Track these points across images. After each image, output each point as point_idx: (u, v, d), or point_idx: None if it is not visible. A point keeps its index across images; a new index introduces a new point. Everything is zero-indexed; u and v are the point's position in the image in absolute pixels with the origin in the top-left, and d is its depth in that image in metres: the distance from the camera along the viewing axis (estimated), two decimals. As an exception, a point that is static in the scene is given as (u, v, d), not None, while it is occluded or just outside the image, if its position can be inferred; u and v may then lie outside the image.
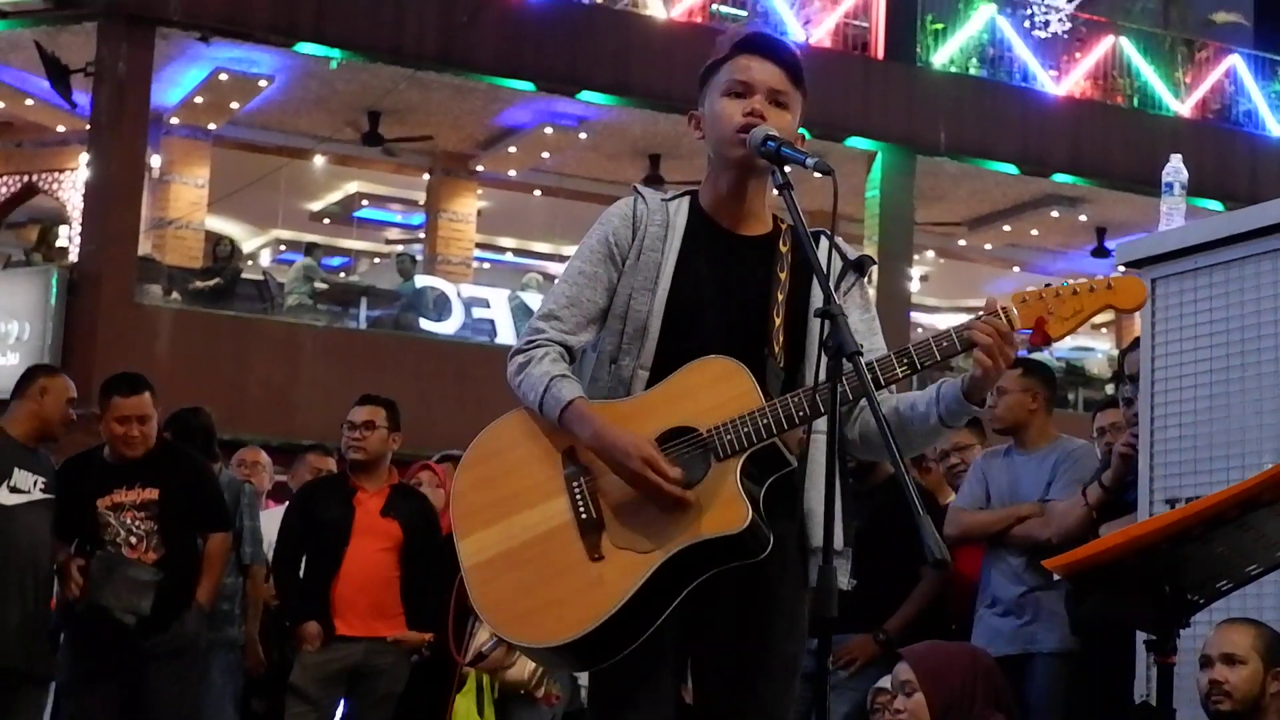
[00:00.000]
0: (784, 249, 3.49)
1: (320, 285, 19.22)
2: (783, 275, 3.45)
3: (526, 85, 18.42)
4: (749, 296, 3.44)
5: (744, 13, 19.97)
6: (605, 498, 3.31)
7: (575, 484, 3.34)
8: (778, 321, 3.40)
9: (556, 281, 3.56)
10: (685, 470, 3.25)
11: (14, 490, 6.72)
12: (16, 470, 6.74)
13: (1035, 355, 9.06)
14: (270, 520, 7.97)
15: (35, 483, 6.78)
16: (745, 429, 3.24)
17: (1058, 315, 3.24)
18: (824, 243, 3.42)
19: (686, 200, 3.57)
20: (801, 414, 3.23)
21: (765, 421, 3.24)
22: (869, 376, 3.07)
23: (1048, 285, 3.29)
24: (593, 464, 3.34)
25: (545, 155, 20.92)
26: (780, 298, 3.42)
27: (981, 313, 3.27)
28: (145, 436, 6.81)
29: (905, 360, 3.26)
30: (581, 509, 3.31)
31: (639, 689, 3.35)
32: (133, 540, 6.62)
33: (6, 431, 6.90)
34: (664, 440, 3.30)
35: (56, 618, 6.99)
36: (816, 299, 3.38)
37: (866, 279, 3.57)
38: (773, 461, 3.30)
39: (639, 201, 3.53)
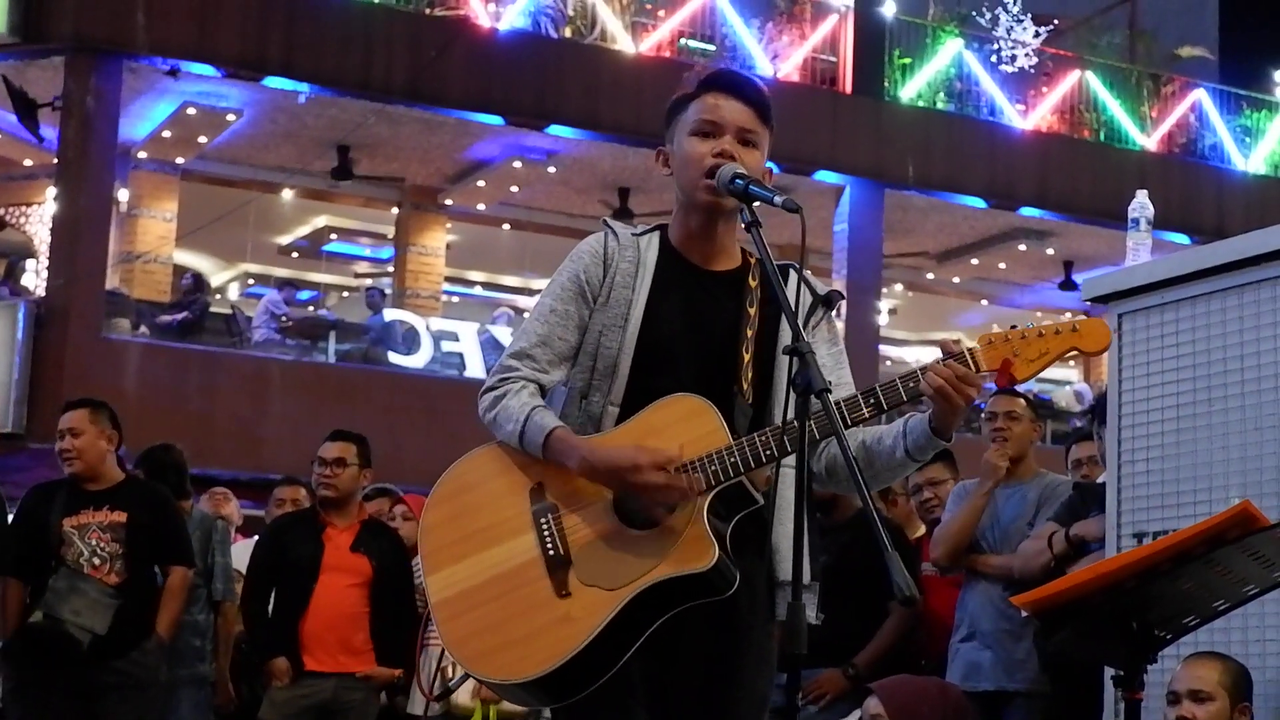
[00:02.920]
0: (753, 284, 3.49)
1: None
2: (752, 311, 3.45)
3: (495, 119, 18.46)
4: (719, 333, 3.44)
5: (712, 47, 20.02)
6: (572, 534, 3.31)
7: (543, 520, 3.34)
8: (746, 358, 3.40)
9: (527, 318, 3.57)
10: (646, 511, 3.27)
11: None
12: None
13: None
14: (239, 554, 7.95)
15: None
16: (712, 467, 3.24)
17: (1023, 357, 3.26)
18: (793, 277, 3.45)
19: (657, 235, 3.56)
20: (769, 453, 3.24)
21: (733, 460, 3.24)
22: (836, 415, 3.07)
23: (1013, 327, 3.30)
24: (562, 499, 3.34)
25: (514, 189, 20.94)
26: (749, 334, 3.42)
27: (942, 356, 3.28)
28: (79, 451, 6.77)
29: (872, 400, 3.28)
30: (549, 545, 3.31)
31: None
32: (95, 561, 6.58)
33: None
34: None
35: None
36: (786, 335, 3.39)
37: (835, 313, 3.58)
38: (740, 499, 3.30)
39: (610, 238, 3.52)
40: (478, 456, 3.49)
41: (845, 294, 15.34)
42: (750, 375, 3.40)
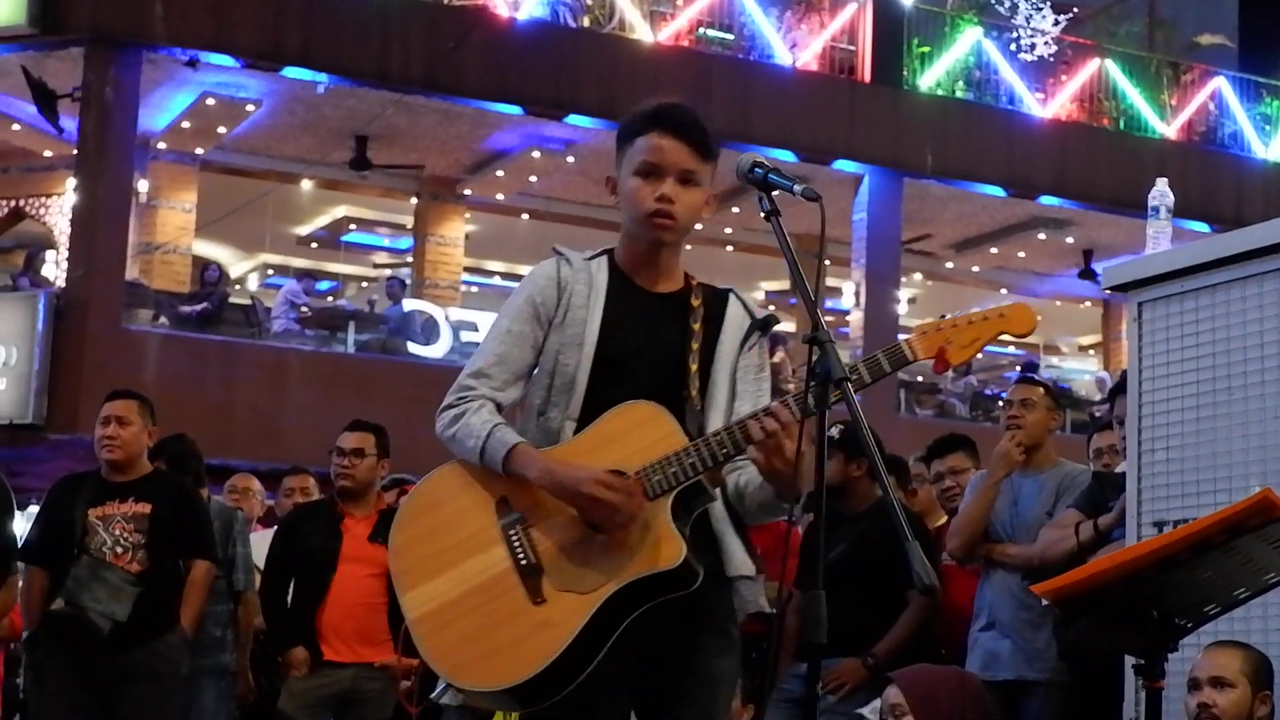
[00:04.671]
0: (695, 303, 3.71)
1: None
2: (696, 327, 3.66)
3: (514, 109, 18.46)
4: (667, 348, 3.63)
5: (730, 36, 20.03)
6: (542, 543, 3.46)
7: (512, 531, 3.48)
8: (693, 368, 3.60)
9: (484, 339, 3.73)
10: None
11: None
12: None
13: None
14: (258, 545, 7.97)
15: None
16: (673, 469, 3.41)
17: (956, 344, 3.46)
18: (733, 300, 3.76)
19: (606, 259, 3.74)
20: (725, 452, 3.41)
21: (691, 461, 3.41)
22: (856, 404, 3.11)
23: (944, 317, 3.50)
24: (528, 510, 3.49)
25: (533, 179, 20.93)
26: (694, 347, 3.63)
27: (765, 408, 3.41)
28: (125, 442, 6.77)
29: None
30: (520, 555, 3.45)
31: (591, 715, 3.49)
32: (118, 550, 6.58)
33: None
34: None
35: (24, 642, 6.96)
36: (725, 349, 3.66)
37: (766, 339, 3.78)
38: (698, 497, 3.48)
39: (563, 264, 3.71)
40: (440, 475, 3.64)
41: (866, 283, 15.17)
42: (697, 383, 3.60)
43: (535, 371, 3.66)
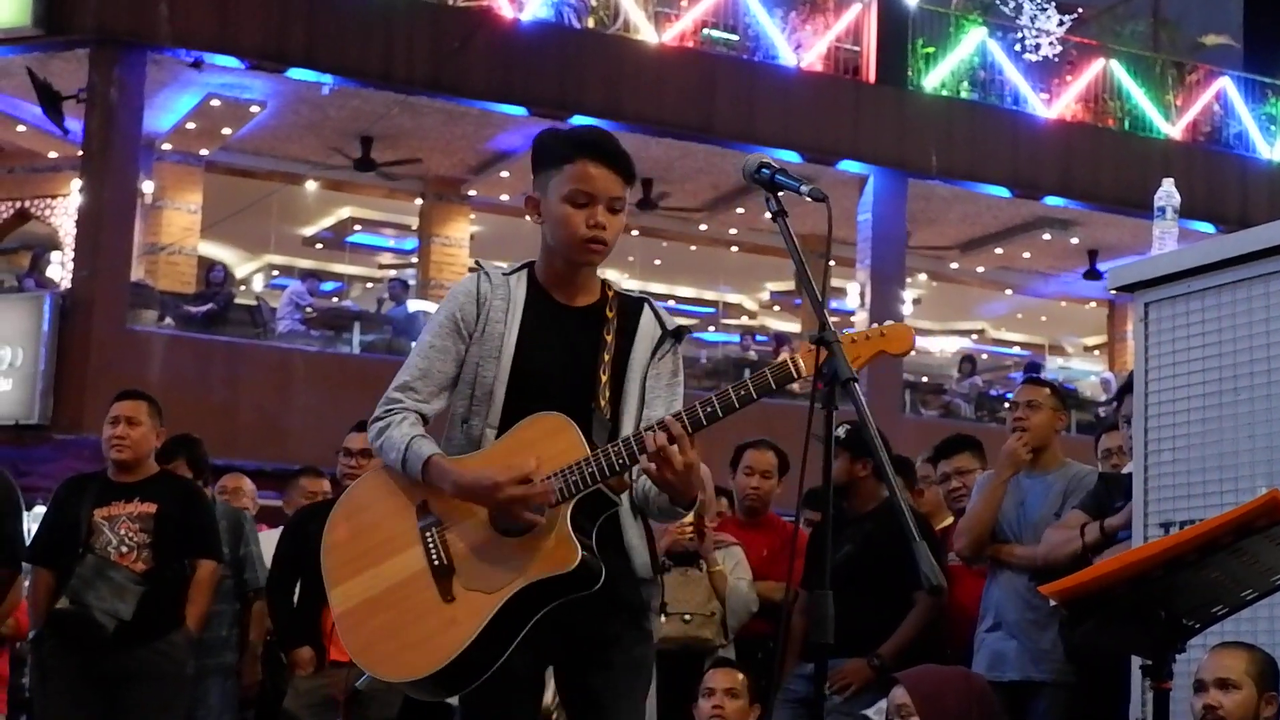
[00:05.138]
0: (610, 315, 3.88)
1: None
2: (609, 338, 3.83)
3: (518, 110, 18.45)
4: (579, 360, 3.81)
5: (735, 36, 20.02)
6: (454, 546, 3.68)
7: (428, 534, 3.70)
8: (604, 379, 3.78)
9: (410, 354, 3.91)
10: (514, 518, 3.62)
11: None
12: None
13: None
14: (264, 545, 7.98)
15: None
16: (573, 477, 3.59)
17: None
18: (646, 310, 3.92)
19: (525, 274, 3.94)
20: (620, 462, 3.58)
21: (590, 470, 3.59)
22: (864, 405, 3.08)
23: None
24: (444, 515, 3.71)
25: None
26: (606, 358, 3.80)
27: (659, 421, 3.57)
28: (134, 442, 6.76)
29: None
30: (434, 557, 3.68)
31: (506, 709, 3.73)
32: (123, 549, 6.58)
33: None
34: None
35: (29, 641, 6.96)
36: (636, 358, 3.84)
37: (679, 347, 3.94)
38: (600, 503, 3.66)
39: (483, 279, 3.90)
40: (368, 480, 3.91)
41: (871, 284, 15.21)
42: (608, 394, 3.77)
43: (458, 383, 3.84)
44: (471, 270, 4.04)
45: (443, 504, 3.71)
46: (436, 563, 3.66)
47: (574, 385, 3.77)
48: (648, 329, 3.89)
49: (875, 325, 3.59)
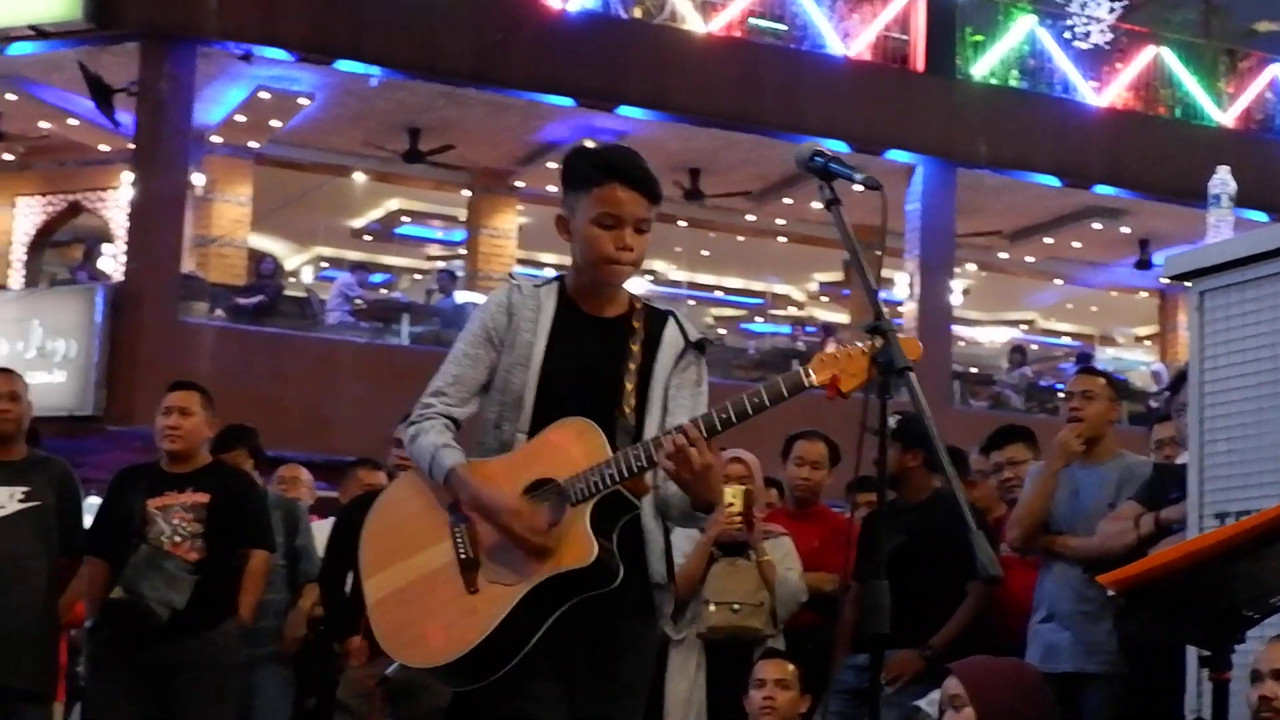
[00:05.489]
0: (637, 325, 4.02)
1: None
2: (635, 348, 3.97)
3: (564, 101, 18.46)
4: (605, 368, 3.94)
5: (783, 26, 19.98)
6: (480, 541, 3.83)
7: (456, 530, 3.85)
8: (629, 387, 3.92)
9: (445, 361, 4.08)
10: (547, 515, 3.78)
11: None
12: None
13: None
14: (316, 535, 8.01)
15: (12, 495, 6.79)
16: (594, 478, 3.73)
17: (847, 372, 3.61)
18: (671, 322, 4.05)
19: (556, 286, 4.09)
20: (639, 464, 3.72)
21: (610, 472, 3.73)
22: (920, 393, 3.07)
23: (840, 347, 3.70)
24: (472, 513, 3.86)
25: (584, 170, 20.88)
26: (632, 367, 3.95)
27: (670, 435, 3.68)
28: (186, 432, 6.78)
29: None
30: (461, 551, 3.83)
31: (533, 704, 3.83)
32: (176, 539, 6.59)
33: None
34: (530, 490, 3.81)
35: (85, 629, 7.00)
36: (659, 368, 3.98)
37: (704, 358, 4.07)
38: (621, 506, 3.79)
39: (514, 291, 4.06)
40: (405, 479, 4.13)
41: (920, 274, 15.16)
42: (633, 401, 3.92)
43: (490, 389, 4.01)
44: (518, 264, 4.11)
45: None
46: (463, 556, 3.82)
47: (599, 392, 3.90)
48: (671, 340, 4.02)
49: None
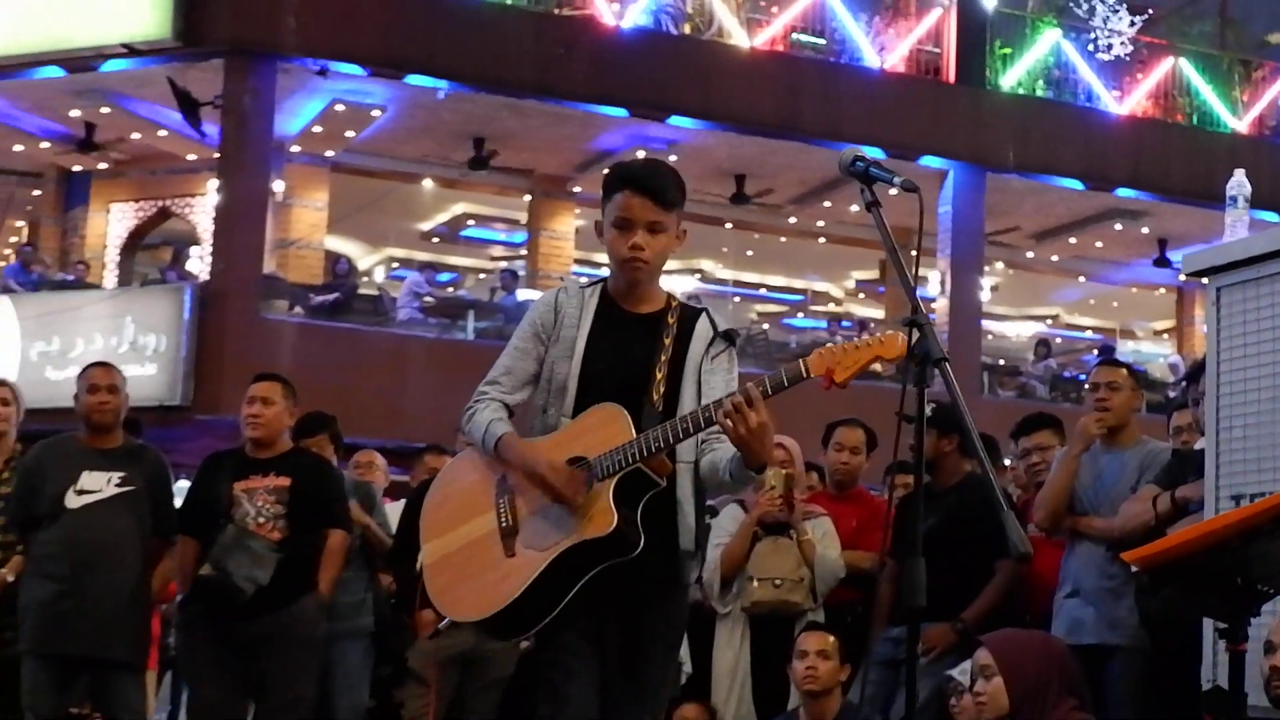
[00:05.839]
0: (671, 321, 4.17)
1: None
2: (667, 341, 4.12)
3: (619, 111, 18.46)
4: (638, 360, 4.10)
5: (822, 40, 19.94)
6: (520, 511, 4.02)
7: (500, 501, 4.06)
8: (659, 377, 4.07)
9: (501, 354, 4.29)
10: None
11: (81, 492, 6.80)
12: (84, 474, 6.84)
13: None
14: (389, 516, 8.03)
15: (109, 480, 6.86)
16: (617, 457, 3.88)
17: (841, 365, 3.71)
18: (703, 318, 4.19)
19: (600, 286, 4.26)
20: (658, 445, 3.86)
21: (632, 451, 3.87)
22: (954, 384, 3.08)
23: (836, 342, 3.82)
24: (515, 487, 4.05)
25: (636, 177, 20.86)
26: (663, 359, 4.10)
27: (729, 396, 3.80)
28: (268, 420, 6.81)
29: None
30: (503, 519, 4.03)
31: (572, 659, 4.01)
32: (260, 520, 6.62)
33: (76, 438, 6.98)
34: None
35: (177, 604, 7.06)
36: (690, 358, 4.12)
37: (734, 349, 4.20)
38: (644, 483, 3.92)
39: (561, 293, 4.26)
40: (461, 457, 4.42)
41: (951, 272, 15.09)
42: (662, 389, 4.06)
43: (539, 380, 4.20)
44: (575, 264, 4.19)
45: (515, 476, 4.06)
46: (504, 524, 4.02)
47: (632, 381, 4.05)
48: (702, 331, 4.16)
49: (875, 335, 3.73)
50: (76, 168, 20.55)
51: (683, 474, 4.05)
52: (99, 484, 6.85)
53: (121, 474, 6.88)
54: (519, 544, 3.97)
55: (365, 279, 23.34)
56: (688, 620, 4.37)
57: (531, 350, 4.21)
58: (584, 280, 4.34)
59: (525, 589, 3.89)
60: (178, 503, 7.13)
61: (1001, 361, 23.65)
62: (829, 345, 3.76)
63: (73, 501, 6.79)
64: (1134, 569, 4.23)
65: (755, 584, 6.79)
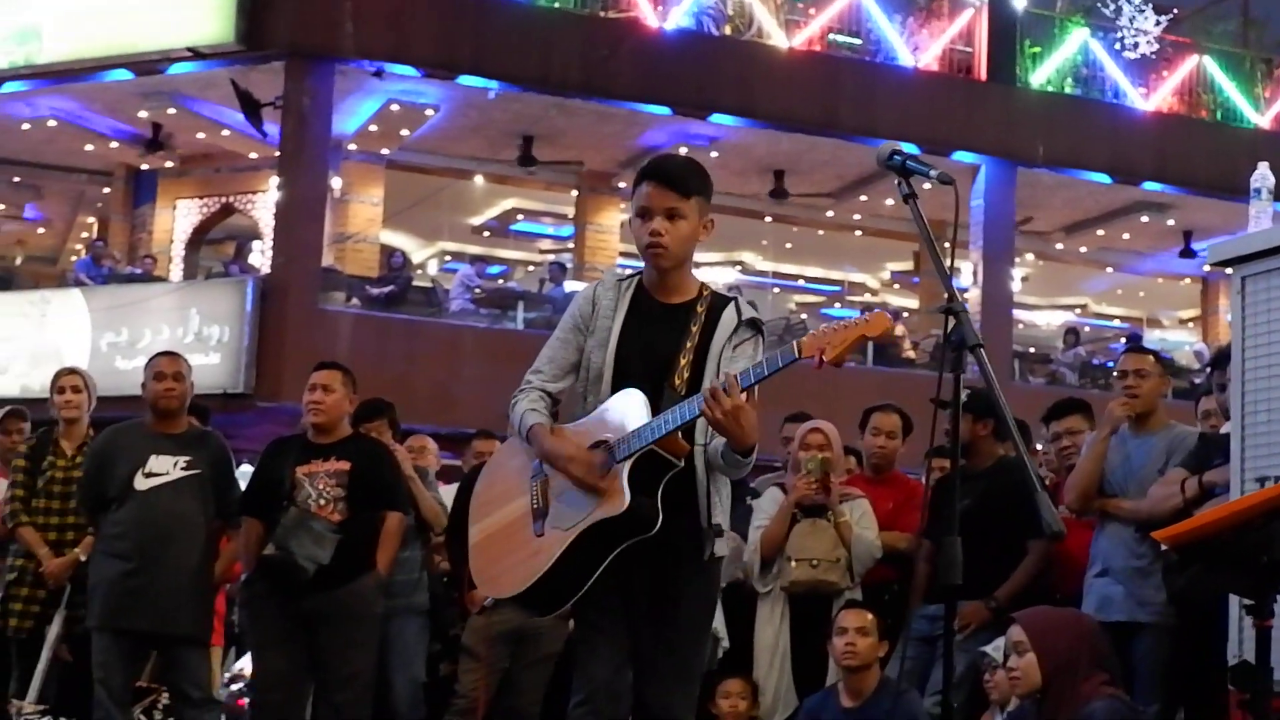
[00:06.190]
0: (700, 310, 4.19)
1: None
2: (693, 329, 4.15)
3: (662, 109, 18.44)
4: (666, 348, 4.14)
5: (858, 41, 19.87)
6: (550, 493, 4.09)
7: (534, 484, 4.14)
8: (683, 363, 4.10)
9: (545, 346, 4.37)
10: (599, 471, 3.98)
11: (149, 475, 6.86)
12: (152, 458, 6.89)
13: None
14: (444, 498, 8.05)
15: (175, 464, 6.91)
16: (634, 439, 3.94)
17: (831, 344, 3.72)
18: (730, 306, 4.20)
19: (636, 280, 4.32)
20: (666, 428, 3.89)
21: (645, 434, 3.92)
22: (990, 370, 3.06)
23: (827, 325, 3.80)
24: (546, 472, 4.13)
25: (679, 173, 20.83)
26: (689, 345, 4.13)
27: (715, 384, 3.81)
28: (328, 407, 6.81)
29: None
30: (535, 502, 4.11)
31: (600, 637, 4.12)
32: (321, 502, 6.63)
33: (144, 424, 7.03)
34: (591, 448, 4.03)
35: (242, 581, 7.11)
36: (714, 345, 4.13)
37: (760, 337, 4.19)
38: (662, 464, 3.96)
39: (599, 286, 4.34)
40: (506, 445, 4.48)
41: (983, 264, 15.02)
42: (685, 375, 4.09)
43: (579, 368, 4.26)
44: (621, 256, 4.22)
45: (546, 462, 4.15)
46: (535, 506, 4.11)
47: (659, 368, 4.09)
48: (728, 319, 4.17)
49: (862, 315, 3.78)
50: (144, 166, 20.66)
51: (700, 455, 4.10)
52: (166, 467, 6.90)
53: (187, 458, 6.93)
54: (547, 524, 4.05)
55: (419, 272, 23.38)
56: (718, 595, 4.42)
57: (572, 340, 4.28)
58: (621, 274, 4.40)
59: (550, 566, 3.97)
60: (240, 486, 7.16)
61: (1032, 349, 23.54)
62: (820, 328, 3.80)
63: (141, 484, 6.85)
64: (1163, 548, 4.23)
65: (793, 564, 6.78)
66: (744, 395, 3.77)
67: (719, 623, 6.71)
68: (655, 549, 3.96)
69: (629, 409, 4.02)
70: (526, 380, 4.31)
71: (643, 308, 4.25)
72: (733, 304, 4.23)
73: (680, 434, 3.94)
